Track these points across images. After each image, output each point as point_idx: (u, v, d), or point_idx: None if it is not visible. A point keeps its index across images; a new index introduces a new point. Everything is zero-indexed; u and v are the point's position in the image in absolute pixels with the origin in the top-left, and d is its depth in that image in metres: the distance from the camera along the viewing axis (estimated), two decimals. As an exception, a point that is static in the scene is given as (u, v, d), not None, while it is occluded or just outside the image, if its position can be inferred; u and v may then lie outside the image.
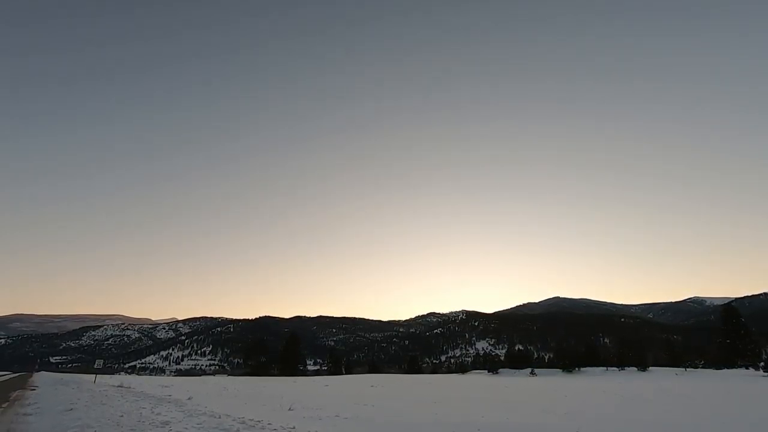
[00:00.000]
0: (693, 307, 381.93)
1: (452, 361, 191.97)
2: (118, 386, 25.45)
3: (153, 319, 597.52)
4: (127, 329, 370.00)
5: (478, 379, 54.50)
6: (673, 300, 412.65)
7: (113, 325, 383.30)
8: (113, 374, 75.65)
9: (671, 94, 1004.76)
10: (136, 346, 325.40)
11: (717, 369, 57.55)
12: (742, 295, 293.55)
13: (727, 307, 67.67)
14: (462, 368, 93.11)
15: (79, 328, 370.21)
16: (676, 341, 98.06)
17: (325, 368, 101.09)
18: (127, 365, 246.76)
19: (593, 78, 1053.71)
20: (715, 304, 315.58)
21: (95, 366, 33.89)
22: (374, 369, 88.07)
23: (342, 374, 75.24)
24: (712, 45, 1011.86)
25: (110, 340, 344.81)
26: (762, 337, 60.97)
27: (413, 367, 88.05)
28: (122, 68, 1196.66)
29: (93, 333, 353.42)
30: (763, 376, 42.03)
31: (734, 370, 54.42)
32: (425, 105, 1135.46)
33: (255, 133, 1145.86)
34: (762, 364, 45.84)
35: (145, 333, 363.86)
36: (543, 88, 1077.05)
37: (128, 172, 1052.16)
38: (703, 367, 62.64)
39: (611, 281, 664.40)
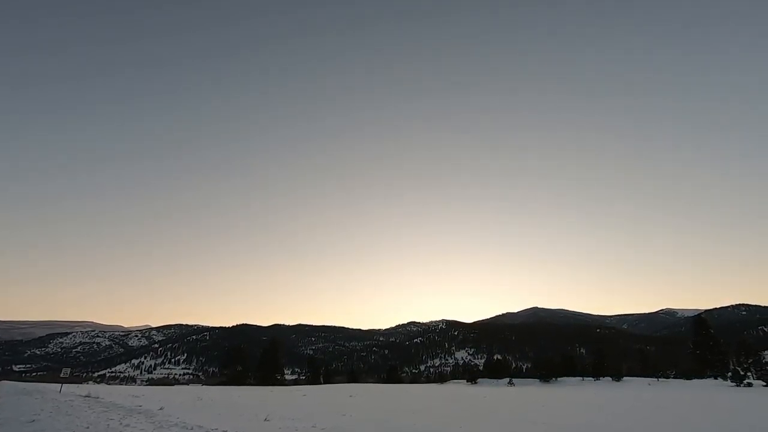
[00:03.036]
0: (665, 318, 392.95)
1: (432, 370, 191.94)
2: (86, 396, 24.44)
3: (125, 326, 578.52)
4: (98, 336, 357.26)
5: (457, 388, 54.56)
6: (647, 311, 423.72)
7: (83, 332, 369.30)
8: (81, 383, 72.63)
9: (649, 111, 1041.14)
10: (106, 354, 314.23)
11: (688, 379, 59.12)
12: (712, 307, 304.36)
13: (697, 318, 69.91)
14: (441, 378, 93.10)
15: (46, 335, 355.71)
16: (649, 352, 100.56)
17: (304, 377, 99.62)
18: (96, 374, 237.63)
19: (577, 93, 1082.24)
20: (686, 315, 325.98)
21: (62, 375, 32.51)
22: (353, 378, 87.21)
23: (321, 383, 74.22)
24: (688, 61, 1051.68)
25: (79, 347, 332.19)
26: (730, 348, 63.00)
27: (393, 376, 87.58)
28: (109, 68, 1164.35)
29: (60, 340, 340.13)
30: (731, 386, 43.41)
31: (704, 380, 56.05)
32: (411, 114, 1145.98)
33: (236, 139, 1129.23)
34: (729, 374, 47.32)
35: (116, 340, 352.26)
36: (528, 101, 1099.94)
37: (99, 173, 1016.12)
38: (674, 377, 64.30)
39: (588, 292, 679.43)
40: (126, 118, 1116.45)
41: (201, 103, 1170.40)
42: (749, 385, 43.11)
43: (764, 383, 43.21)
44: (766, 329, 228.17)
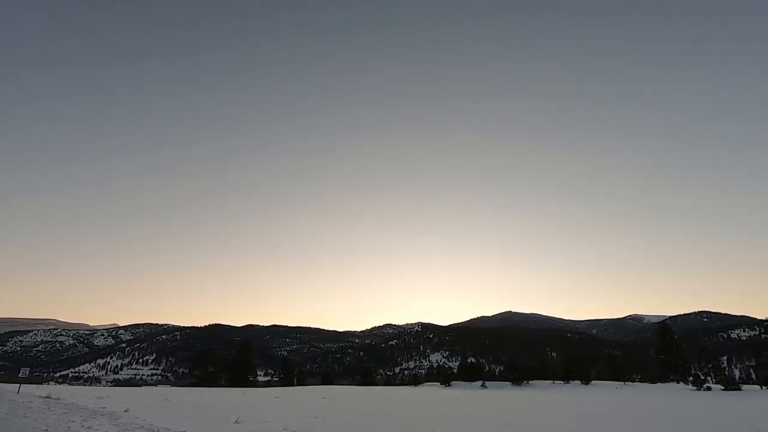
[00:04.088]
0: (632, 324, 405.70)
1: (406, 373, 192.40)
2: (46, 397, 23.37)
3: (91, 324, 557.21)
4: (61, 335, 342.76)
5: (431, 391, 54.93)
6: (615, 317, 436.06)
7: (45, 330, 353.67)
8: (41, 384, 69.48)
9: (629, 119, 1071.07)
10: (69, 353, 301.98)
11: (652, 383, 61.38)
12: (676, 314, 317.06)
13: (662, 325, 72.69)
14: (416, 380, 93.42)
15: (5, 333, 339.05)
16: (617, 356, 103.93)
17: (277, 379, 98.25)
18: (58, 374, 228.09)
19: (566, 100, 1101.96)
20: (652, 321, 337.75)
21: (20, 375, 30.99)
22: (327, 380, 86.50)
23: (294, 385, 73.35)
24: (666, 76, 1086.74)
25: (40, 346, 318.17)
26: (692, 354, 65.79)
27: (367, 378, 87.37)
28: (99, 61, 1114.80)
29: (21, 338, 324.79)
30: (692, 390, 45.26)
31: (667, 384, 58.27)
32: (397, 117, 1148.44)
33: (212, 139, 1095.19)
34: (691, 379, 49.37)
35: (81, 339, 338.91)
36: (508, 108, 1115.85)
37: (64, 167, 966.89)
38: (640, 381, 66.55)
39: (560, 297, 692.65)
40: (105, 113, 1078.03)
41: (176, 100, 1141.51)
42: (708, 389, 45.08)
43: (722, 387, 45.27)
44: (725, 336, 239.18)
